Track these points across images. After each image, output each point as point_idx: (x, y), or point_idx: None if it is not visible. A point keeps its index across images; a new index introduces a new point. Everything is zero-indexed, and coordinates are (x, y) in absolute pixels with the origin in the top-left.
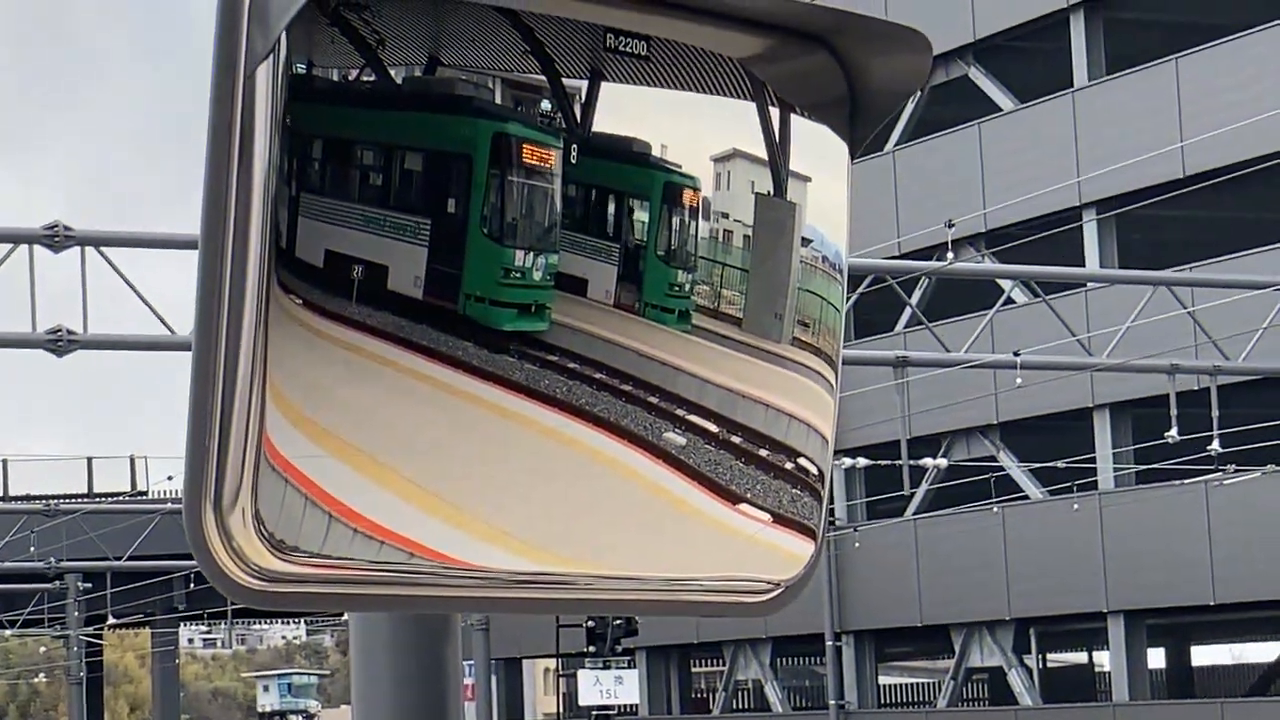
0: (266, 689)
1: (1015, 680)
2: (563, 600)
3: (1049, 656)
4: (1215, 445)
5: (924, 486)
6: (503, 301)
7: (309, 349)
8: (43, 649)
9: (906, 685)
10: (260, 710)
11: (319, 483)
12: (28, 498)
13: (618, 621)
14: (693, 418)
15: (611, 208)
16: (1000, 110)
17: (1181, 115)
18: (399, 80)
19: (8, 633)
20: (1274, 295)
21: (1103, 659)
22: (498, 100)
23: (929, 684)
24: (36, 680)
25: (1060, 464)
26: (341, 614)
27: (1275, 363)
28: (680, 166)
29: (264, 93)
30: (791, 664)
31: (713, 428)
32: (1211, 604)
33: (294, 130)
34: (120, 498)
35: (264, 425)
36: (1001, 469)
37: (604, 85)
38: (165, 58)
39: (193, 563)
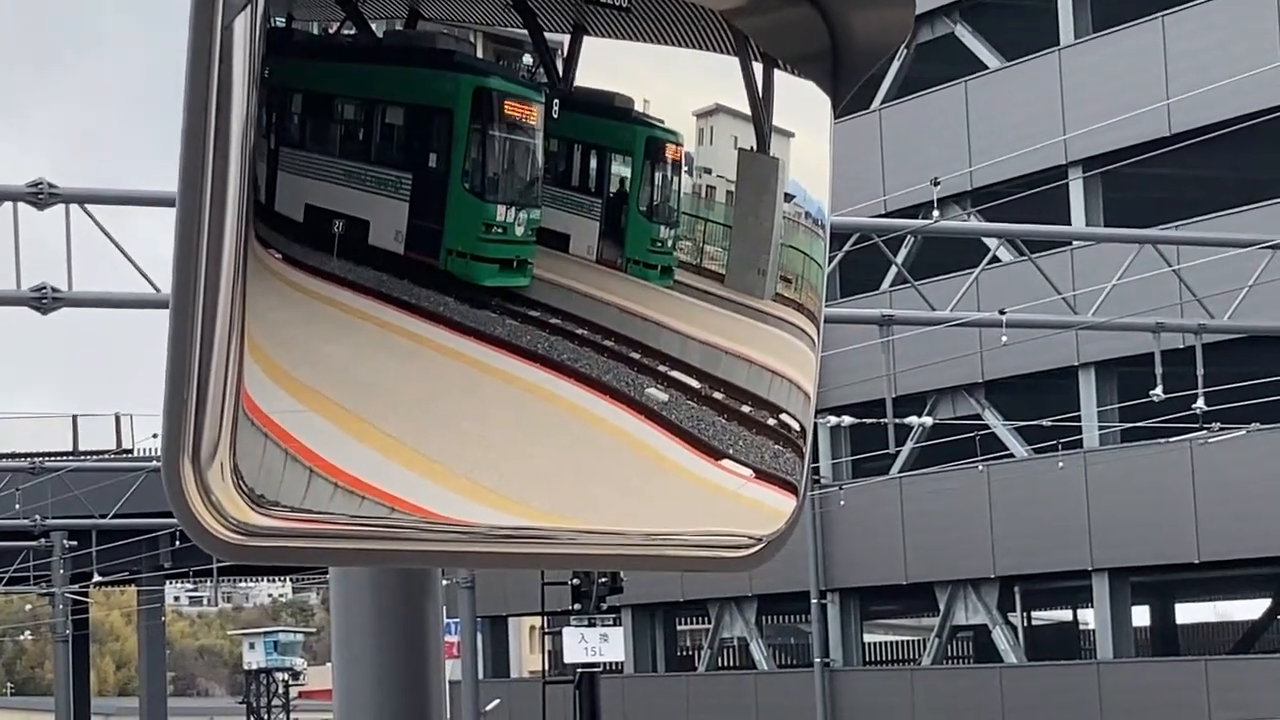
0: (252, 647)
1: (1000, 638)
2: (545, 555)
3: (1033, 614)
4: (1200, 403)
5: (909, 445)
6: (484, 257)
7: (288, 304)
8: (28, 607)
9: (891, 643)
10: (246, 668)
11: (298, 437)
12: (12, 455)
13: (603, 579)
14: (675, 373)
15: (594, 163)
16: (986, 68)
17: (1168, 73)
18: (379, 34)
19: None
20: (1259, 253)
21: (1087, 617)
22: (479, 55)
23: (914, 642)
24: (22, 638)
25: (1045, 422)
26: (325, 570)
27: (1260, 321)
28: (663, 122)
29: (242, 44)
30: (776, 622)
31: (695, 383)
32: (1196, 562)
33: (273, 84)
34: (105, 455)
35: (242, 380)
36: (986, 427)
37: (586, 39)
38: (156, 15)
39: (179, 523)
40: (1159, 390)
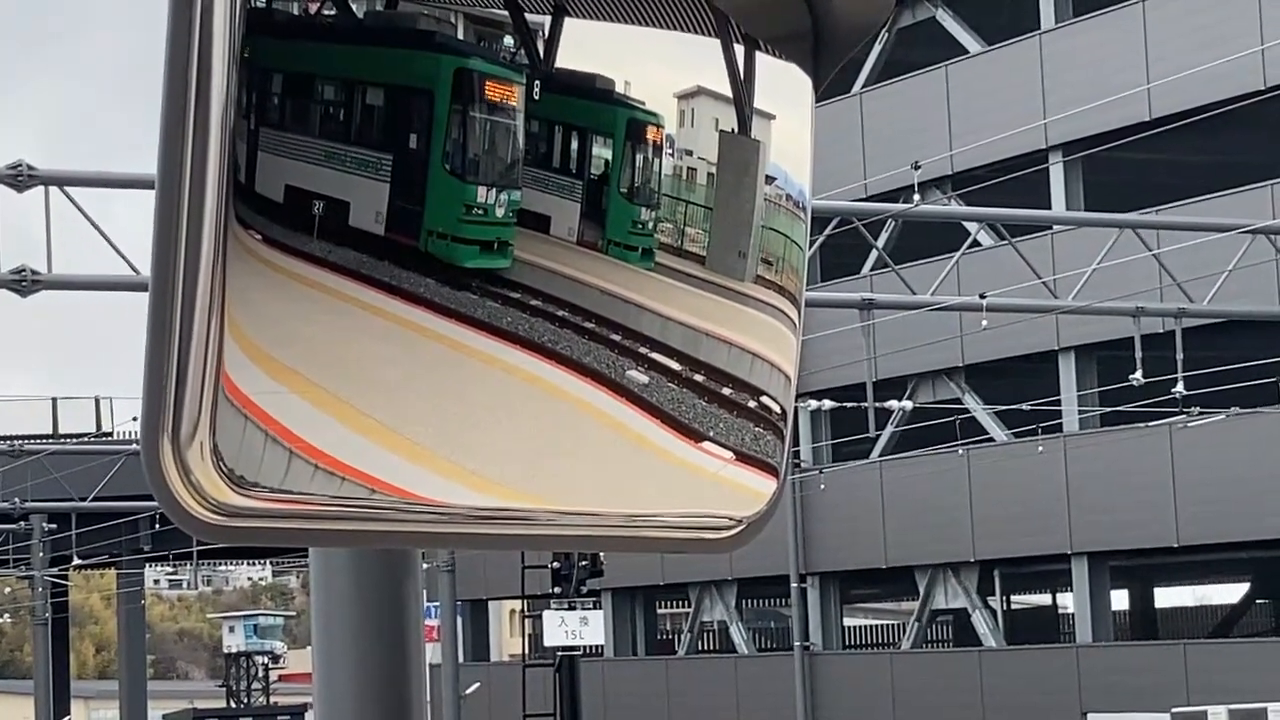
0: (232, 630)
1: (979, 622)
2: (524, 536)
3: (1013, 598)
4: (1180, 388)
5: (889, 429)
6: (465, 238)
7: (268, 285)
8: (8, 590)
9: (871, 627)
10: (226, 651)
11: (278, 418)
12: None
13: (583, 562)
14: (655, 355)
15: (575, 145)
16: (967, 53)
17: (1148, 58)
18: (360, 14)
19: None
20: (1239, 238)
21: (1066, 601)
22: (460, 35)
23: (894, 626)
24: (1, 621)
25: (1025, 406)
26: (306, 554)
27: (1239, 305)
28: (644, 103)
29: (221, 25)
30: (757, 606)
31: (675, 365)
32: (1175, 546)
33: (253, 64)
34: (85, 438)
35: (222, 361)
36: (967, 411)
37: (567, 21)
38: None
39: (158, 504)
40: (1139, 374)
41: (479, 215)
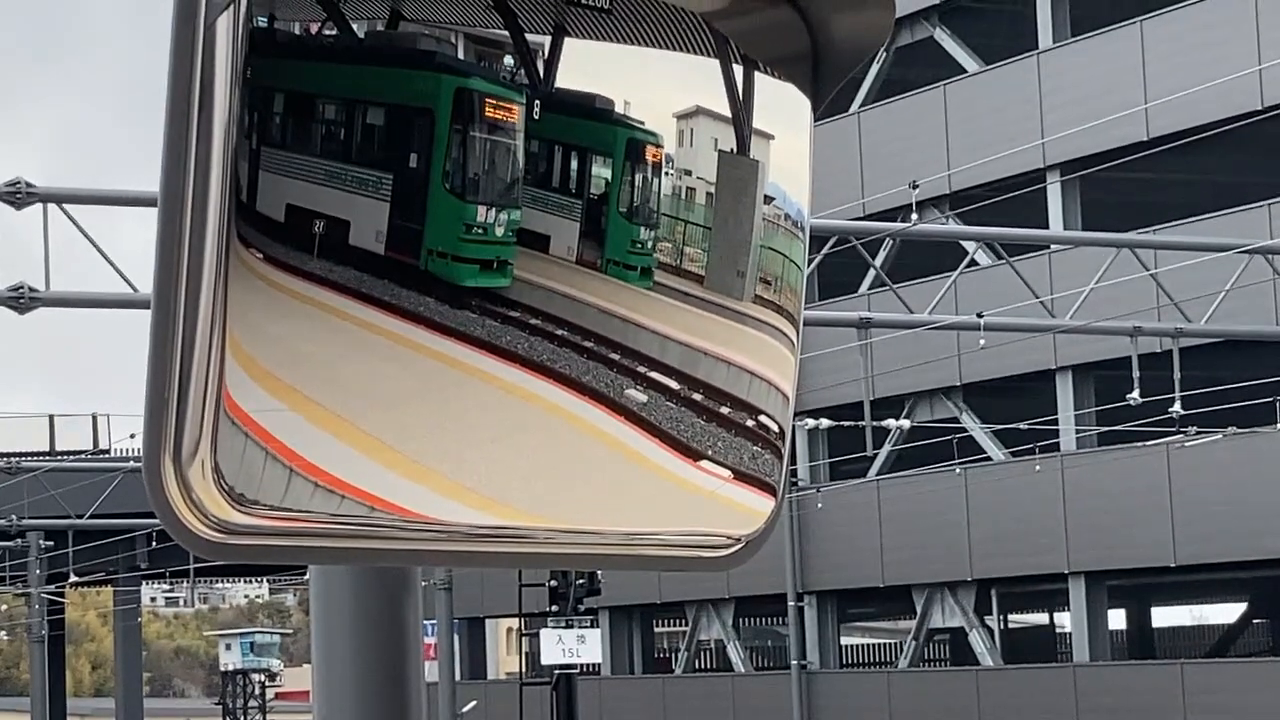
0: (229, 647)
1: (976, 641)
2: (523, 554)
3: (1010, 617)
4: (1177, 407)
5: (887, 448)
6: (464, 257)
7: (269, 303)
8: (4, 607)
9: (868, 646)
10: (222, 669)
11: (278, 436)
12: None
13: (580, 581)
14: (654, 374)
15: (574, 164)
16: (965, 72)
17: (1146, 77)
18: (361, 34)
19: None
20: (1236, 258)
21: (1064, 620)
22: (460, 55)
23: (891, 644)
24: None
25: (1023, 425)
26: (303, 571)
27: (1237, 325)
28: (643, 123)
29: (224, 45)
30: (754, 624)
31: (674, 384)
32: (1172, 565)
33: (255, 84)
34: (82, 456)
35: (223, 379)
36: (964, 430)
37: (567, 41)
38: (142, 13)
39: (155, 521)
40: (1136, 394)
41: (479, 234)
